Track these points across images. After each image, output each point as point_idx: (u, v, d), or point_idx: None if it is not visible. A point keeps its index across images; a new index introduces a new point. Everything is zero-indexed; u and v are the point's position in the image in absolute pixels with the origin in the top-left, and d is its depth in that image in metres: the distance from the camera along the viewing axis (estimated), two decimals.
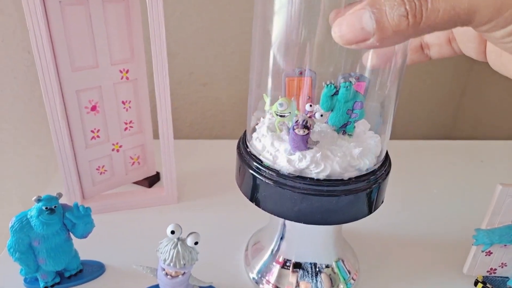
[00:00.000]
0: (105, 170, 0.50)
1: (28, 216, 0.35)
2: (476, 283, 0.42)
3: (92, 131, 0.47)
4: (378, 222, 0.51)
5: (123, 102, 0.48)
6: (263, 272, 0.40)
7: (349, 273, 0.40)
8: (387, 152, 0.35)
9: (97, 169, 0.49)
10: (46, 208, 0.35)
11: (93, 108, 0.46)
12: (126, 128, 0.49)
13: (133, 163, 0.52)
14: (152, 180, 0.55)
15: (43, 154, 0.68)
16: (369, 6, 0.19)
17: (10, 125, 0.64)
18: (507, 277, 0.41)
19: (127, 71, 0.46)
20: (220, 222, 0.50)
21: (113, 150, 0.49)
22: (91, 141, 0.47)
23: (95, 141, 0.47)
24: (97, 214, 0.49)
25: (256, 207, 0.33)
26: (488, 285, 0.41)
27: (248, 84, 0.36)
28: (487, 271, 0.41)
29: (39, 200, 0.35)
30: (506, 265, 0.41)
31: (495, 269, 0.41)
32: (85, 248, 0.42)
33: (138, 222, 0.49)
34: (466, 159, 0.68)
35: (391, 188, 0.57)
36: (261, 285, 0.40)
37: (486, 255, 0.40)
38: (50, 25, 0.39)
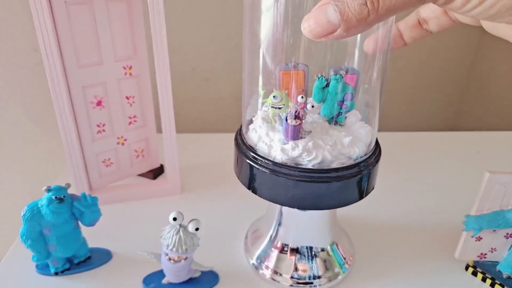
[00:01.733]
0: (111, 163, 0.52)
1: (39, 205, 0.37)
2: (467, 268, 0.43)
3: (98, 125, 0.49)
4: (374, 210, 0.52)
5: (127, 97, 0.50)
6: (262, 257, 0.42)
7: (344, 258, 0.42)
8: (377, 141, 0.36)
9: (103, 161, 0.51)
10: (56, 197, 0.37)
11: (99, 103, 0.48)
12: (130, 122, 0.51)
13: (138, 156, 0.54)
14: (157, 172, 0.57)
15: (51, 149, 0.70)
16: (332, 0, 0.21)
17: (20, 121, 0.67)
18: (497, 262, 0.43)
19: (130, 67, 0.48)
20: (221, 211, 0.52)
21: (118, 143, 0.51)
22: (97, 135, 0.49)
23: (101, 135, 0.49)
24: (104, 205, 0.51)
25: (255, 197, 0.35)
26: (478, 269, 0.43)
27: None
28: (478, 256, 0.43)
29: (49, 190, 0.37)
30: (495, 250, 0.42)
31: (485, 254, 0.43)
32: (94, 237, 0.44)
33: (143, 212, 0.51)
34: (463, 151, 0.69)
35: (387, 177, 0.59)
36: (260, 271, 0.42)
37: (476, 241, 0.42)
38: (56, 24, 0.41)
